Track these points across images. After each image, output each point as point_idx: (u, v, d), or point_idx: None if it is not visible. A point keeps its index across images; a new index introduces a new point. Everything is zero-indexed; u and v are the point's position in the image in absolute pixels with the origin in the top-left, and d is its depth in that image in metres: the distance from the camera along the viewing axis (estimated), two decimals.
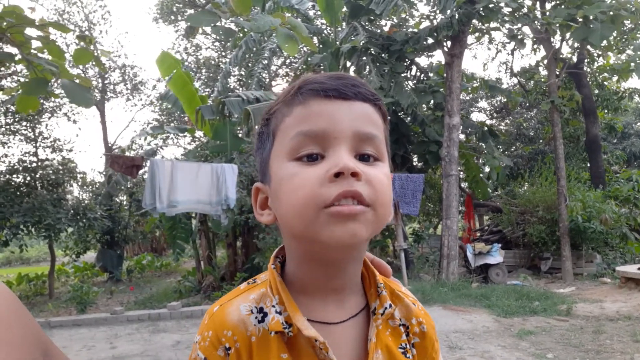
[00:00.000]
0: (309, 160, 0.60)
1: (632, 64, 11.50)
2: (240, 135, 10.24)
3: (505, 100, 16.70)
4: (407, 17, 15.27)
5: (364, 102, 0.63)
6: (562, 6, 10.43)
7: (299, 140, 0.61)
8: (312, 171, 0.59)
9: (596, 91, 15.29)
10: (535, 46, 13.64)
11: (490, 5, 9.59)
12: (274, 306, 0.63)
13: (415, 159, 13.43)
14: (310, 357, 0.63)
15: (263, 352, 0.62)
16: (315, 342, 0.61)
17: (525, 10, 10.58)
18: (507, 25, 11.03)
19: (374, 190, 0.60)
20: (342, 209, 0.57)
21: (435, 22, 11.13)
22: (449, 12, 9.95)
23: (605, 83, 15.64)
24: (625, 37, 13.48)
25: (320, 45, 11.88)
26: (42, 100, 10.99)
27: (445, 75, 10.90)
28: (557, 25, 9.93)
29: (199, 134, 12.94)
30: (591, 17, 9.50)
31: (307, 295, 0.66)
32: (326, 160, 0.60)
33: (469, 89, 14.50)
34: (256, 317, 0.64)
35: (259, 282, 0.69)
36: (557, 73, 11.61)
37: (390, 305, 0.68)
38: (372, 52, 10.74)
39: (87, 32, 18.11)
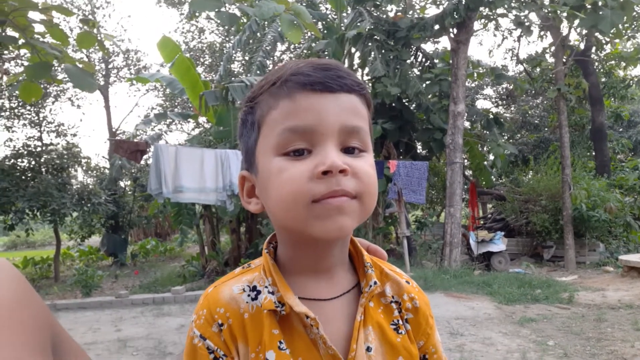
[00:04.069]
0: (296, 155, 0.62)
1: None
2: None
3: (511, 87, 16.56)
4: (412, 3, 15.06)
5: (349, 94, 0.64)
6: None
7: (287, 136, 0.62)
8: (300, 166, 0.61)
9: (603, 79, 15.12)
10: (542, 33, 13.46)
11: None
12: (266, 287, 0.66)
13: (419, 147, 13.38)
14: (301, 337, 0.64)
15: (256, 327, 0.65)
16: (307, 318, 0.63)
17: None
18: (514, 12, 10.87)
19: (360, 183, 0.62)
20: (331, 202, 0.59)
21: (441, 7, 10.97)
22: None
23: (613, 71, 15.46)
24: (635, 24, 13.28)
25: (325, 31, 11.75)
26: (45, 85, 10.98)
27: (451, 61, 10.79)
28: (565, 13, 9.77)
29: (202, 119, 12.92)
30: (600, 4, 9.35)
31: (299, 275, 0.68)
32: (314, 155, 0.61)
33: (475, 75, 14.35)
34: (249, 295, 0.67)
35: (253, 267, 0.72)
36: (564, 60, 11.47)
37: (376, 283, 0.69)
38: (378, 38, 10.62)
39: (90, 16, 18.00)
